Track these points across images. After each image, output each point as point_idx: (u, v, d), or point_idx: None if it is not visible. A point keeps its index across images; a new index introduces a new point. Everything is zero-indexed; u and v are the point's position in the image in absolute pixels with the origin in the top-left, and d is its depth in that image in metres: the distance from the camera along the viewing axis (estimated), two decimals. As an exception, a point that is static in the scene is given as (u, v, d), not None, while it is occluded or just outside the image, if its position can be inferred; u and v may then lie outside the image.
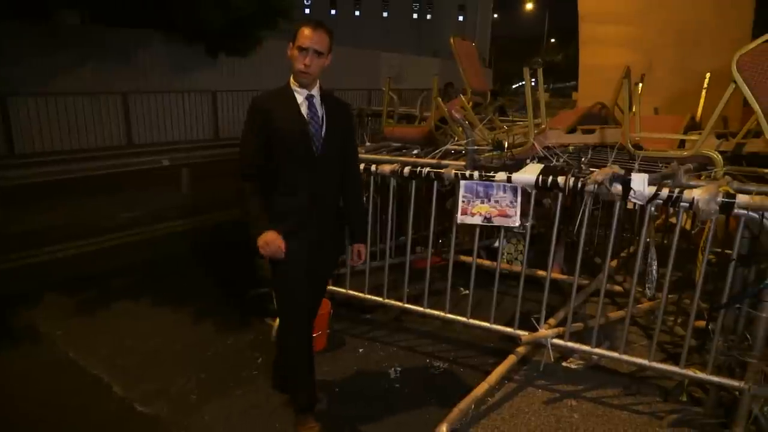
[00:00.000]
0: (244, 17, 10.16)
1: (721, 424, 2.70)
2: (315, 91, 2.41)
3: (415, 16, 40.59)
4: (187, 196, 7.49)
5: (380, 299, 3.53)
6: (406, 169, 3.21)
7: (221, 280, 4.54)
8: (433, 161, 3.54)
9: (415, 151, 4.28)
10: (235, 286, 4.26)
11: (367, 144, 4.51)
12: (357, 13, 36.83)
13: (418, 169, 3.18)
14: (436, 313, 3.33)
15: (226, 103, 12.08)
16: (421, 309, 3.38)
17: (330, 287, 3.66)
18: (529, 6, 45.83)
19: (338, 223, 2.59)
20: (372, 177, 3.45)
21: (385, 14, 38.98)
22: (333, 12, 36.81)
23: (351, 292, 3.59)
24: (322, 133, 2.39)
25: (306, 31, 2.28)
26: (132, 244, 5.48)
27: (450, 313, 3.29)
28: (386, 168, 3.30)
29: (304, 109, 2.37)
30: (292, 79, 2.39)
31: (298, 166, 2.37)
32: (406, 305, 3.43)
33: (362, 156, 3.82)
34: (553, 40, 49.73)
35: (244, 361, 3.32)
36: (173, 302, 4.07)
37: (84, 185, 7.89)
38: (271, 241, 2.32)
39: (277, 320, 3.53)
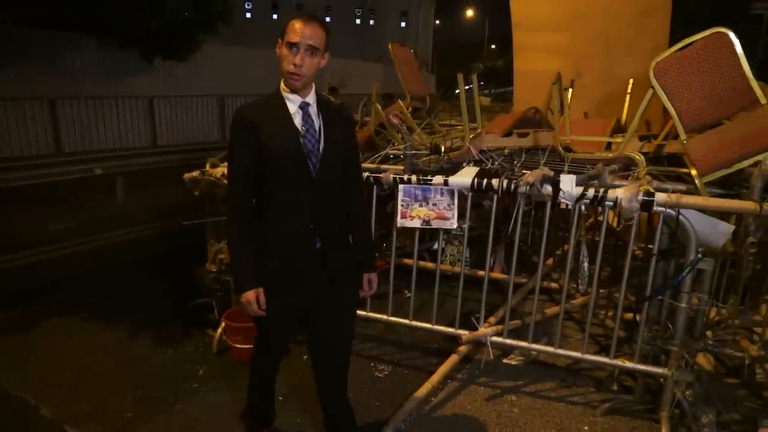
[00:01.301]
0: (181, 21, 9.88)
1: (650, 409, 2.86)
2: (310, 98, 2.03)
3: (358, 21, 40.77)
4: (123, 206, 7.19)
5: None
6: (346, 174, 3.21)
7: (160, 292, 4.39)
8: (373, 166, 3.57)
9: (357, 156, 4.29)
10: (174, 298, 4.13)
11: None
12: (299, 17, 36.60)
13: (358, 173, 3.19)
14: (379, 316, 3.35)
15: (164, 109, 11.73)
16: (364, 313, 3.38)
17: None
18: (470, 13, 47.01)
19: (351, 253, 2.22)
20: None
21: (327, 19, 38.92)
22: (275, 16, 36.39)
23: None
24: (320, 148, 2.01)
25: (296, 25, 1.92)
26: (63, 258, 5.21)
27: (393, 315, 3.32)
28: (326, 173, 3.29)
29: (297, 120, 2.00)
30: (282, 85, 2.02)
31: (293, 188, 2.00)
32: (350, 310, 3.42)
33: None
34: (493, 46, 51.18)
35: (184, 374, 3.22)
36: (108, 317, 3.90)
37: (9, 196, 7.44)
38: (250, 302, 2.02)
39: (219, 331, 3.47)
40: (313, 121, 2.02)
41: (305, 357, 3.43)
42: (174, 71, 12.16)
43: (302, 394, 3.03)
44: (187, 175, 3.60)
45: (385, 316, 3.33)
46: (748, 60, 3.02)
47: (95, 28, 9.87)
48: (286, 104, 2.01)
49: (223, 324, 3.44)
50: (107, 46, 10.51)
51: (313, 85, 2.05)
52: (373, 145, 4.32)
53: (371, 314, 3.36)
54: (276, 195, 2.01)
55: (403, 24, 40.67)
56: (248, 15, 33.72)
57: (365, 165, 3.58)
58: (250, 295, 2.01)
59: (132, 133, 11.12)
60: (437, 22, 45.64)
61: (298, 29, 1.91)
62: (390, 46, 4.68)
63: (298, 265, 2.06)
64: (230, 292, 3.73)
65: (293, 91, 1.99)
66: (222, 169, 3.53)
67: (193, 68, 12.34)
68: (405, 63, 4.70)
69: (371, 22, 40.84)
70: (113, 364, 3.30)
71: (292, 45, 1.92)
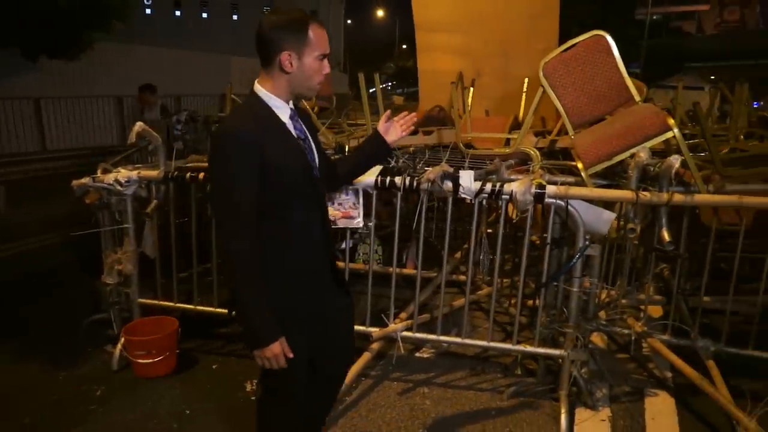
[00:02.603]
0: (68, 16, 9.13)
1: (551, 389, 3.03)
2: (292, 103, 1.85)
3: (266, 20, 39.91)
4: (6, 219, 6.55)
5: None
6: (250, 176, 3.13)
7: (50, 310, 4.04)
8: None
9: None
10: (67, 315, 3.82)
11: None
12: (204, 15, 35.13)
13: (262, 175, 3.12)
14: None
15: (53, 111, 10.86)
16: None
17: (178, 304, 3.44)
18: (380, 13, 47.58)
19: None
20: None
21: (235, 17, 37.78)
22: (178, 13, 34.65)
23: (199, 308, 3.40)
24: (315, 154, 1.88)
25: (325, 35, 1.76)
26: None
27: (305, 318, 3.27)
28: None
29: (291, 130, 1.81)
30: (262, 90, 1.79)
31: (304, 203, 1.83)
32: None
33: (205, 164, 3.66)
34: (405, 47, 52.10)
35: (80, 396, 2.99)
36: (-12, 341, 3.54)
37: None
38: (277, 355, 1.72)
39: (118, 346, 3.25)
40: (301, 125, 1.86)
41: (214, 367, 3.31)
42: (64, 71, 11.27)
43: (212, 402, 2.91)
44: (75, 182, 3.35)
45: (296, 319, 3.27)
46: (634, 61, 3.29)
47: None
48: (276, 114, 1.78)
49: (123, 339, 3.23)
50: (-19, 43, 9.52)
51: None
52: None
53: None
54: (290, 217, 1.80)
55: (313, 23, 40.40)
56: (148, 12, 31.90)
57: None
58: (276, 348, 1.71)
59: (16, 137, 10.18)
60: (349, 21, 45.76)
61: (326, 38, 1.78)
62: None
63: (323, 282, 1.94)
64: (130, 303, 3.51)
65: (300, 99, 1.86)
66: (115, 175, 3.31)
67: (87, 68, 11.54)
68: (310, 62, 4.65)
69: (281, 20, 40.13)
70: (-5, 393, 3.00)
71: (324, 56, 1.78)
